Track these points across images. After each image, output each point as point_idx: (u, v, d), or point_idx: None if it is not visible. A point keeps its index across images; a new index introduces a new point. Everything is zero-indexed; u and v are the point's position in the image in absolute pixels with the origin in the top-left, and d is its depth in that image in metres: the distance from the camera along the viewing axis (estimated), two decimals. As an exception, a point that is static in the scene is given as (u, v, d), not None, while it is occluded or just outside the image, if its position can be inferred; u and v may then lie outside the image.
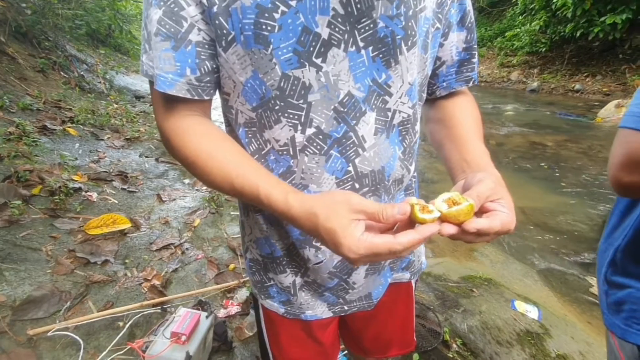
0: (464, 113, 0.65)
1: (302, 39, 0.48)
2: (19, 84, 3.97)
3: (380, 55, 0.51)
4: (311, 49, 0.48)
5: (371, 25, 0.49)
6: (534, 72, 10.49)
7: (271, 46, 0.48)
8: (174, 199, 2.87)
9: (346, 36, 0.48)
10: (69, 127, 3.58)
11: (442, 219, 0.43)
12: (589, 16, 8.23)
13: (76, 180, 2.65)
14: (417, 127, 0.63)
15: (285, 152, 0.55)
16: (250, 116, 0.56)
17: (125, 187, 2.86)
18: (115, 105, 4.96)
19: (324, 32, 0.48)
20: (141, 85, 7.01)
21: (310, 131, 0.53)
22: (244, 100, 0.54)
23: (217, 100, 0.58)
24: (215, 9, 0.47)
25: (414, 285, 0.83)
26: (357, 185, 0.57)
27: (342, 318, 0.82)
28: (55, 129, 3.37)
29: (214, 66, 0.53)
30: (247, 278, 1.95)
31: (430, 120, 0.70)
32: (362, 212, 0.43)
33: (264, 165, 0.57)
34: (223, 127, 0.65)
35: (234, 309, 1.78)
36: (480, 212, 0.45)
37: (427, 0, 0.52)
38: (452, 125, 0.64)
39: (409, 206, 0.43)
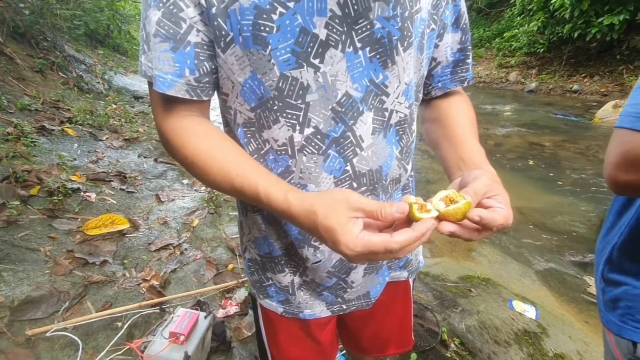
0: (459, 113, 0.66)
1: (300, 39, 0.48)
2: (17, 84, 3.96)
3: (377, 56, 0.51)
4: (309, 49, 0.49)
5: (368, 27, 0.49)
6: (532, 73, 10.51)
7: (269, 47, 0.48)
8: (173, 200, 2.87)
9: (343, 37, 0.49)
10: (68, 127, 3.57)
11: (440, 218, 0.43)
12: (587, 17, 8.26)
13: (75, 181, 2.64)
14: (414, 126, 0.64)
15: (283, 152, 0.56)
16: (248, 116, 0.56)
17: (123, 187, 2.86)
18: (114, 106, 4.96)
19: (322, 33, 0.48)
20: (140, 85, 7.00)
21: (308, 131, 0.54)
22: (243, 100, 0.55)
23: (215, 100, 0.59)
24: (214, 10, 0.47)
25: (411, 284, 0.84)
26: (355, 185, 0.58)
27: (340, 317, 0.83)
28: (53, 130, 3.36)
29: (213, 67, 0.53)
30: (246, 278, 1.95)
31: (427, 120, 0.71)
32: (361, 210, 0.44)
33: (263, 165, 0.58)
34: (221, 127, 0.66)
35: (233, 309, 1.78)
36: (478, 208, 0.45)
37: (422, 2, 0.53)
38: (448, 125, 0.65)
39: (407, 205, 0.43)
